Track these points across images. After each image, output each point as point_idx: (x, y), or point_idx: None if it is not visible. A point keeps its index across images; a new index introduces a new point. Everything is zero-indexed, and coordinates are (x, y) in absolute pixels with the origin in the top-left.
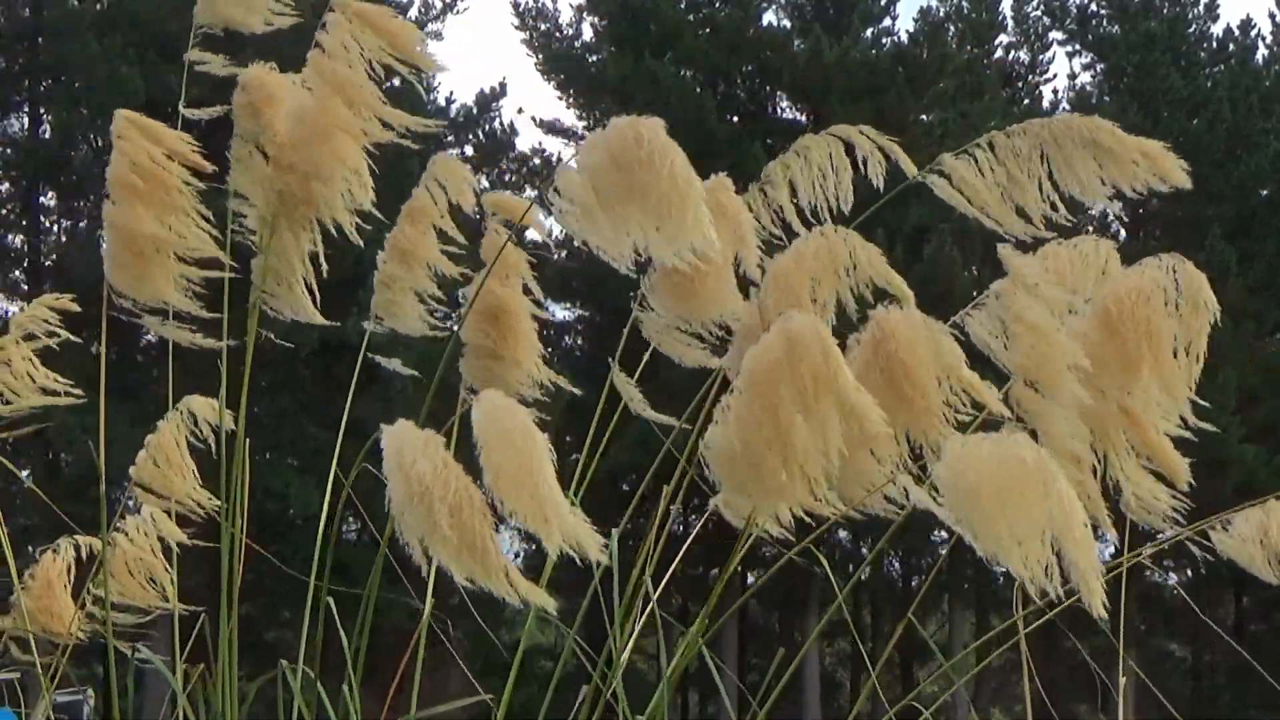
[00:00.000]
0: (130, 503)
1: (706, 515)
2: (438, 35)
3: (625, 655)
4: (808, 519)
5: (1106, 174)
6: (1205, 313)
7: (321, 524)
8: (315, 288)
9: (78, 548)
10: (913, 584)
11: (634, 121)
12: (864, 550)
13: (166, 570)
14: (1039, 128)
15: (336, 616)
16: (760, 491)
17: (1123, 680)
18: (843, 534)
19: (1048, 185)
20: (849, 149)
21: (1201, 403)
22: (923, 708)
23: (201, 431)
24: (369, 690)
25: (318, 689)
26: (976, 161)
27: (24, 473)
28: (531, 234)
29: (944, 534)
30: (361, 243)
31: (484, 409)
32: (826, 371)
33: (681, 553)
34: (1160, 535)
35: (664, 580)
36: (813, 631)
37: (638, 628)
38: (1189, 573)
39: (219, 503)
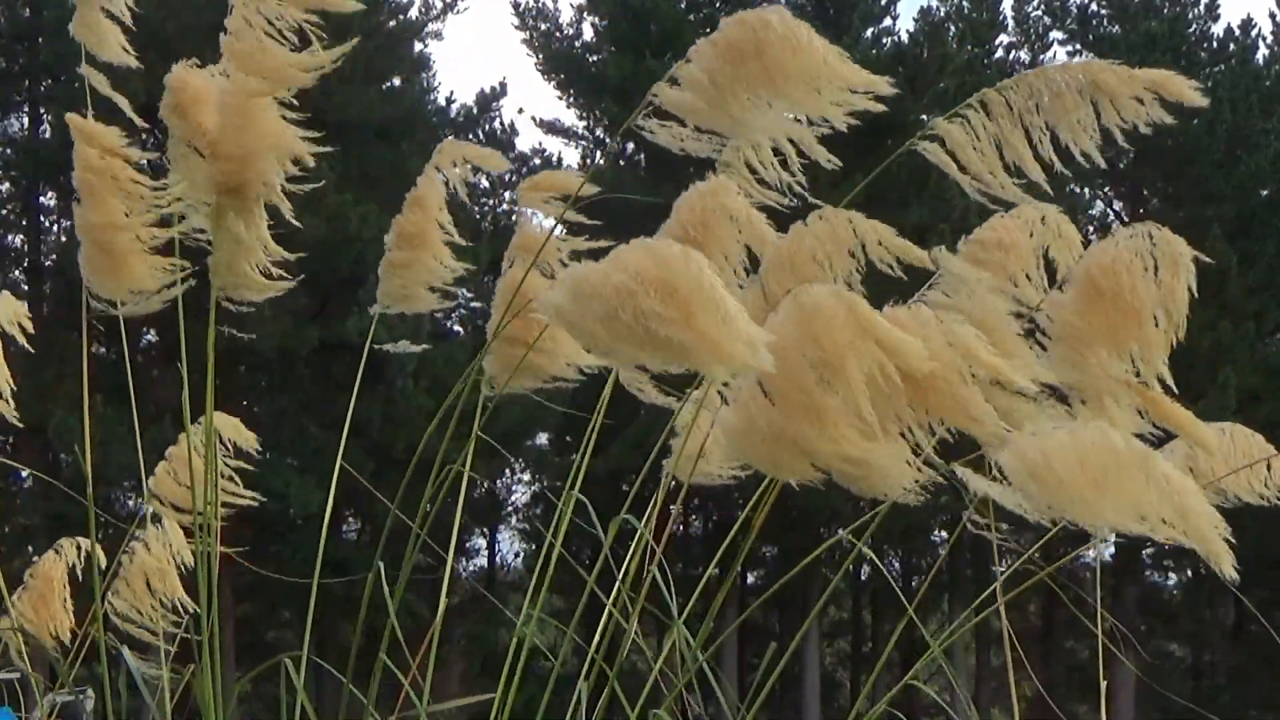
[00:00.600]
0: (144, 511)
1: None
2: (438, 35)
3: (623, 654)
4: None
5: (1108, 118)
6: (1185, 274)
7: (326, 523)
8: (272, 271)
9: (79, 548)
10: (913, 584)
11: (755, 12)
12: (864, 550)
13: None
14: (1034, 78)
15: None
16: (790, 463)
17: (1104, 680)
18: (843, 534)
19: (1046, 143)
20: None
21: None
22: (927, 691)
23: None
24: (375, 691)
25: (307, 687)
26: (969, 123)
27: (24, 473)
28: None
29: (944, 534)
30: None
31: (627, 249)
32: (856, 323)
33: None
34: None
35: (644, 578)
36: (814, 632)
37: (635, 625)
38: (1189, 573)
39: (223, 509)
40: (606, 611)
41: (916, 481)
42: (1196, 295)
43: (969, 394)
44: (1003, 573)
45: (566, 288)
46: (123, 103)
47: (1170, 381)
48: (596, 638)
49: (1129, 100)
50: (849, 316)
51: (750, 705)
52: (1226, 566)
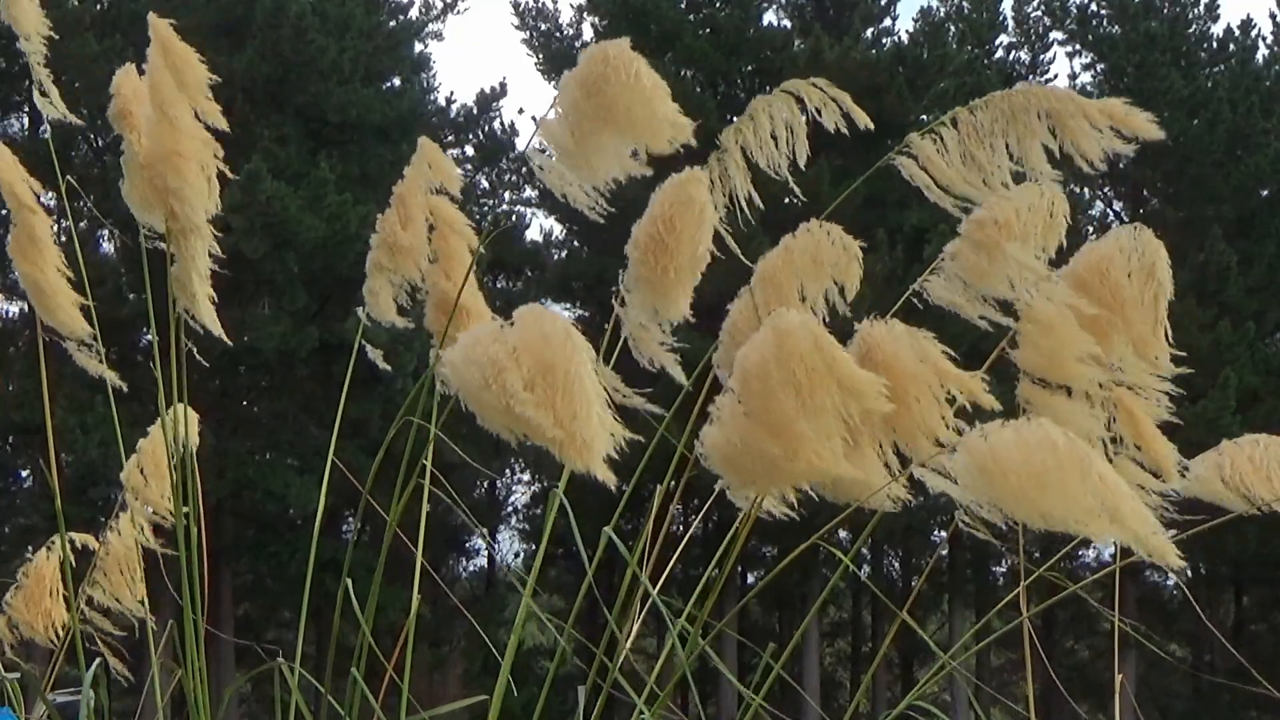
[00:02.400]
0: (120, 502)
1: (703, 514)
2: (438, 35)
3: (623, 653)
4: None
5: (1065, 144)
6: (1164, 279)
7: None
8: (211, 293)
9: (72, 544)
10: (913, 584)
11: (600, 45)
12: (864, 550)
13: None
14: (1001, 100)
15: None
16: (767, 481)
17: (1119, 677)
18: (843, 534)
19: (1007, 161)
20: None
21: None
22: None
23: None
24: (370, 690)
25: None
26: (942, 140)
27: (24, 472)
28: (532, 235)
29: (943, 534)
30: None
31: (522, 314)
32: (821, 359)
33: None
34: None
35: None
36: (814, 632)
37: (635, 625)
38: (1189, 573)
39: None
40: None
41: (891, 492)
42: (1196, 295)
43: (934, 418)
44: (1003, 573)
45: (461, 347)
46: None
47: (1165, 383)
48: (607, 640)
49: (1083, 128)
50: (814, 349)
51: (759, 691)
52: (1171, 558)
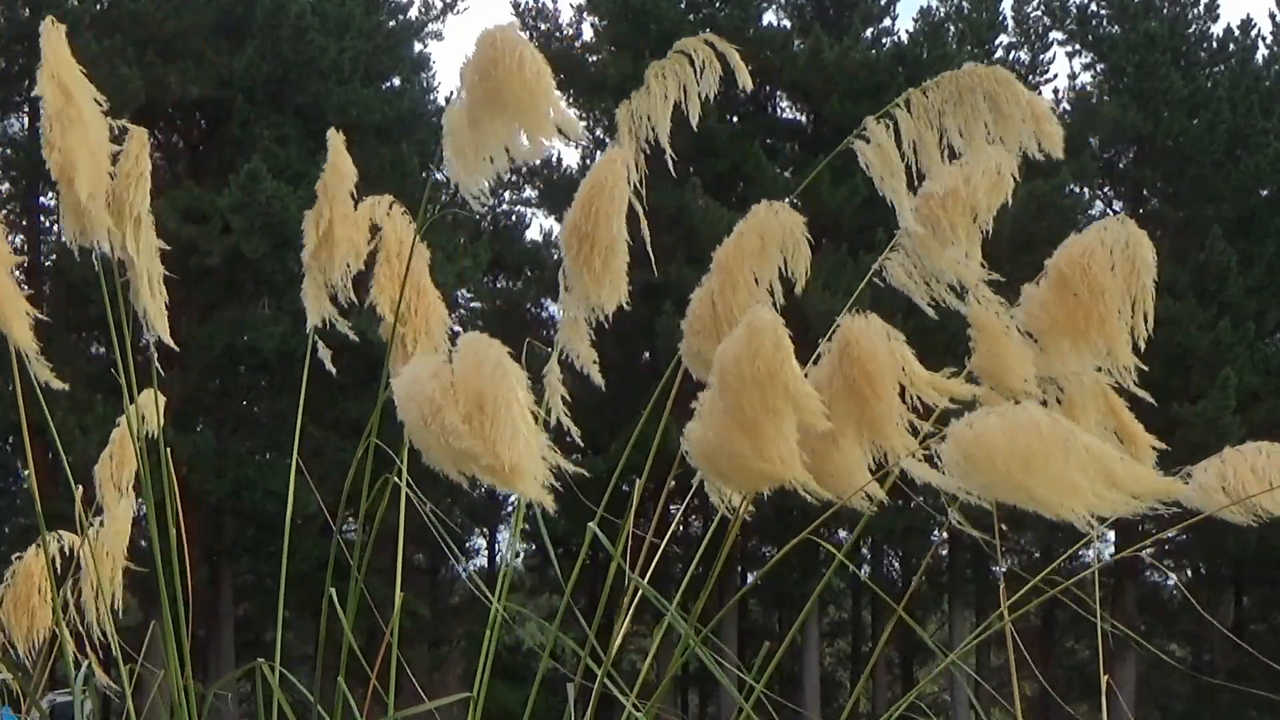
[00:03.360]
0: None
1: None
2: (438, 35)
3: (613, 649)
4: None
5: (996, 130)
6: (1147, 271)
7: (284, 519)
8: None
9: (59, 541)
10: (913, 583)
11: (492, 29)
12: (864, 550)
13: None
14: (950, 81)
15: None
16: (739, 478)
17: (1105, 679)
18: (843, 533)
19: (959, 140)
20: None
21: (1142, 367)
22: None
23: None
24: (373, 690)
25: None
26: (896, 123)
27: (25, 472)
28: (532, 235)
29: (943, 534)
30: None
31: (461, 344)
32: (776, 363)
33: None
34: (1158, 533)
35: (623, 575)
36: (814, 632)
37: (626, 622)
38: (1189, 573)
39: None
40: (613, 609)
41: (869, 491)
42: (1196, 295)
43: (903, 414)
44: (1004, 573)
45: (404, 382)
46: None
47: (1134, 375)
48: (592, 635)
49: (1013, 117)
50: (774, 350)
51: (760, 677)
52: (1181, 489)
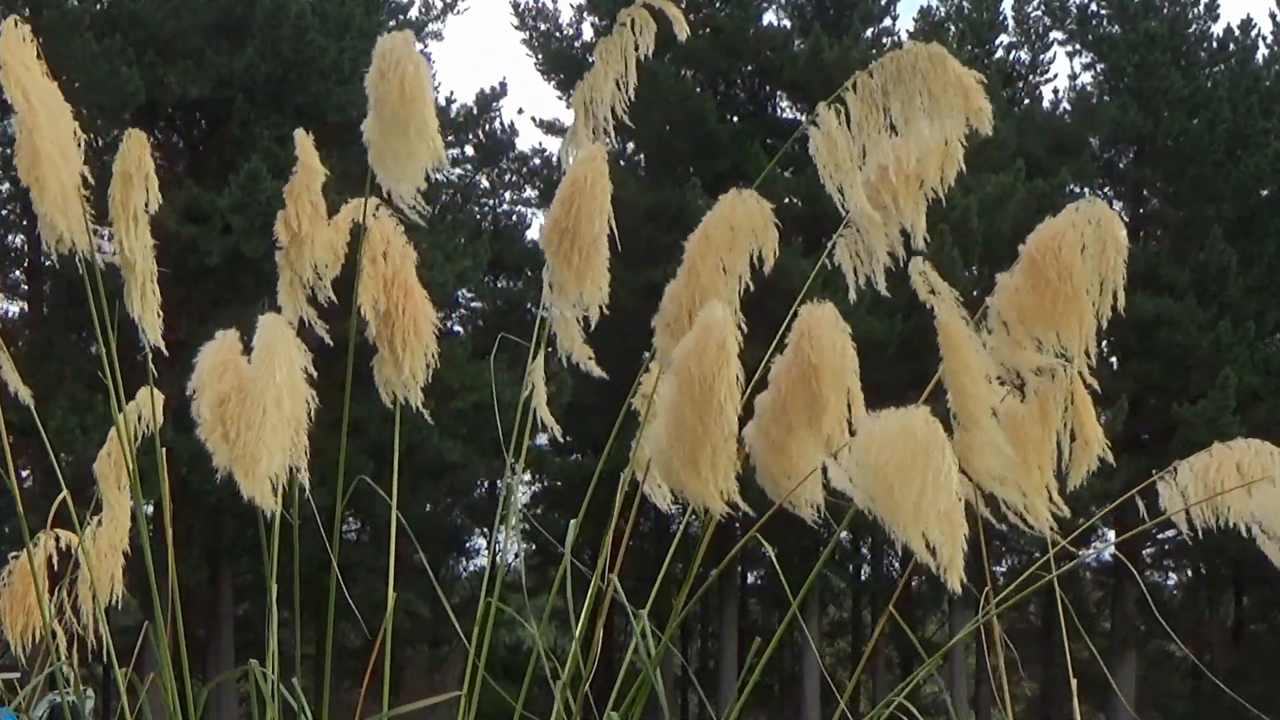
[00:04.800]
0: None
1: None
2: (438, 35)
3: (595, 649)
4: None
5: (931, 108)
6: (1117, 249)
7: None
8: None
9: (57, 539)
10: (913, 584)
11: (390, 36)
12: (864, 550)
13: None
14: (892, 61)
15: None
16: (686, 476)
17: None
18: (843, 534)
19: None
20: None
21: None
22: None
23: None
24: (370, 690)
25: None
26: (846, 107)
27: (24, 472)
28: (532, 235)
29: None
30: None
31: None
32: (718, 364)
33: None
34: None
35: (614, 572)
36: (814, 632)
37: (602, 620)
38: (1189, 573)
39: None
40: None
41: (808, 493)
42: (1196, 295)
43: (838, 408)
44: (1003, 573)
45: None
46: None
47: (1088, 359)
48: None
49: (944, 95)
50: (719, 350)
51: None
52: (954, 579)
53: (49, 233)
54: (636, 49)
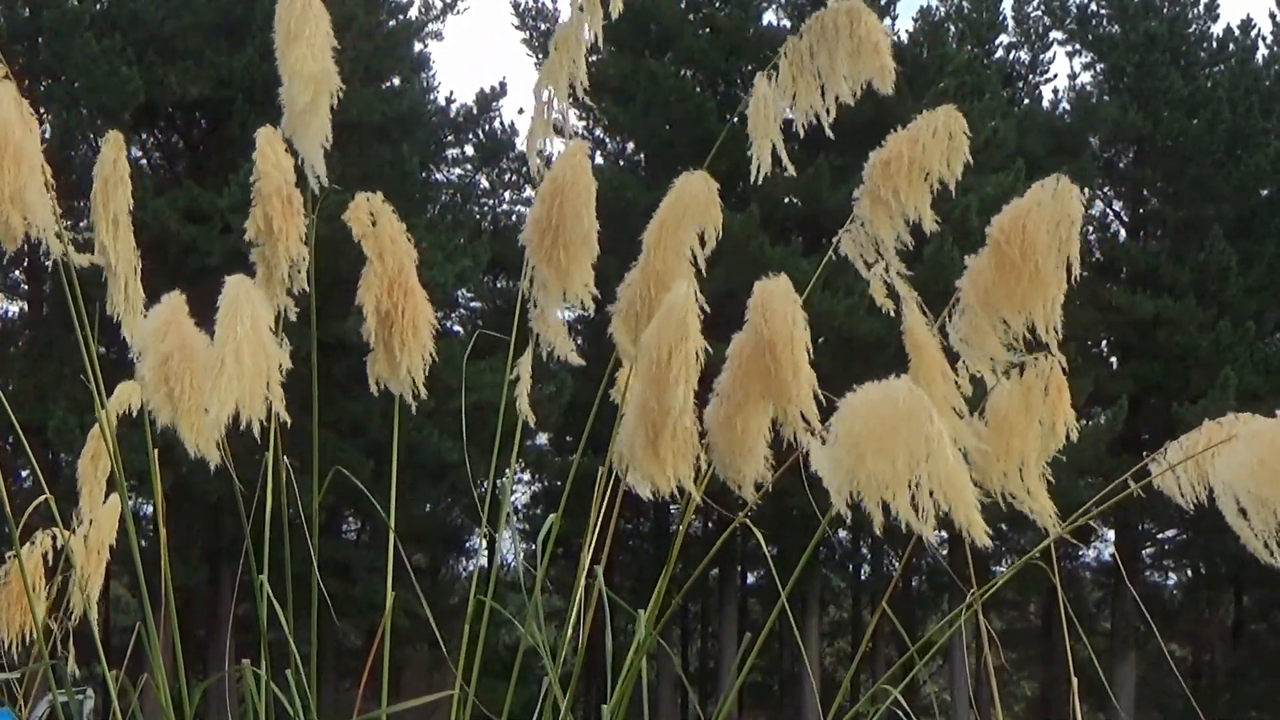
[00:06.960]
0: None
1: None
2: (438, 35)
3: (581, 645)
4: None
5: (850, 66)
6: (1071, 222)
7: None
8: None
9: (54, 539)
10: (913, 584)
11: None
12: (864, 549)
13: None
14: (817, 21)
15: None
16: (645, 458)
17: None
18: (842, 533)
19: (837, 84)
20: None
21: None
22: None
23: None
24: (369, 689)
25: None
26: (778, 74)
27: (24, 473)
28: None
29: (944, 534)
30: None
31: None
32: (676, 338)
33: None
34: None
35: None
36: (814, 632)
37: (589, 615)
38: (1189, 573)
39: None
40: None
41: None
42: (1196, 295)
43: (798, 383)
44: (1004, 573)
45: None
46: None
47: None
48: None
49: (859, 51)
50: (679, 327)
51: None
52: (978, 533)
53: (2, 229)
54: (591, 34)
